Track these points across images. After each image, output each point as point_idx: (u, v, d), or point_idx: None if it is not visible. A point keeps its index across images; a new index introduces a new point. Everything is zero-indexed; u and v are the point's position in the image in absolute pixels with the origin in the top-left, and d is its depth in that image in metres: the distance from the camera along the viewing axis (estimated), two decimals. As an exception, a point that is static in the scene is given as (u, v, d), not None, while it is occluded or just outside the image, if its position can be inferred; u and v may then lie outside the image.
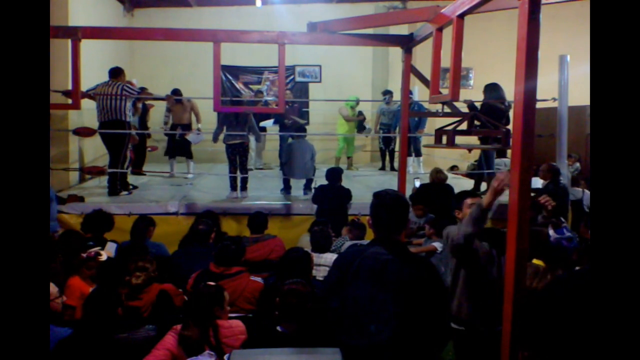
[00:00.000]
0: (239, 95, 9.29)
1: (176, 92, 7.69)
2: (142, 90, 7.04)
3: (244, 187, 6.15)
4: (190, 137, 7.30)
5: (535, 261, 2.41)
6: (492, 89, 6.00)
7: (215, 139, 6.22)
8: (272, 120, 8.32)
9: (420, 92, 8.63)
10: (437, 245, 4.30)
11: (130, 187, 6.45)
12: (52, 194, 4.81)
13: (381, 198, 2.26)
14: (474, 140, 5.54)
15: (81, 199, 5.70)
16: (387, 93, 8.69)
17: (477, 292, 2.88)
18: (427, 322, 2.11)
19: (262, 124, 8.26)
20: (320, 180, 5.89)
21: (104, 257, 3.30)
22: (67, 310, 2.93)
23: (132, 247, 3.87)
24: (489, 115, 5.64)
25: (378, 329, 2.09)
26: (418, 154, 8.60)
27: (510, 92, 2.39)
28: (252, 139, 8.35)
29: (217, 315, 2.61)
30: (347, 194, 5.45)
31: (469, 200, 3.01)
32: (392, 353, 2.08)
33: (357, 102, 8.86)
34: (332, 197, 5.37)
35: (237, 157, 6.08)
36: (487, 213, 2.68)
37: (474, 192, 3.26)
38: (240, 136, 6.02)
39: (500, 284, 2.45)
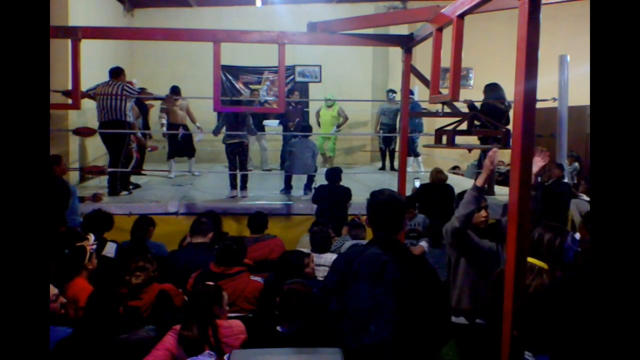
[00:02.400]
0: (238, 96, 9.29)
1: (176, 90, 7.56)
2: (142, 90, 7.03)
3: (243, 187, 6.16)
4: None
5: (530, 259, 2.42)
6: (493, 89, 6.00)
7: (215, 133, 6.29)
8: (277, 122, 8.29)
9: (420, 92, 8.64)
10: (424, 244, 4.30)
11: (131, 187, 6.45)
12: (73, 190, 4.84)
13: (376, 198, 2.26)
14: (474, 140, 5.54)
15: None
16: (393, 92, 8.68)
17: (478, 284, 2.89)
18: (427, 321, 2.11)
19: (265, 122, 8.25)
20: (320, 181, 5.90)
21: (90, 241, 3.31)
22: (77, 311, 2.93)
23: (132, 247, 3.86)
24: (488, 115, 5.68)
25: (378, 329, 2.09)
26: (415, 154, 8.62)
27: (510, 92, 2.39)
28: (254, 138, 8.37)
29: (216, 315, 2.61)
30: (347, 194, 5.44)
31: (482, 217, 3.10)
32: (393, 353, 2.08)
33: (331, 100, 8.86)
34: (332, 196, 5.37)
35: (236, 156, 6.09)
36: (482, 192, 2.83)
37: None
38: (238, 136, 6.04)
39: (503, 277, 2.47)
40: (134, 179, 6.92)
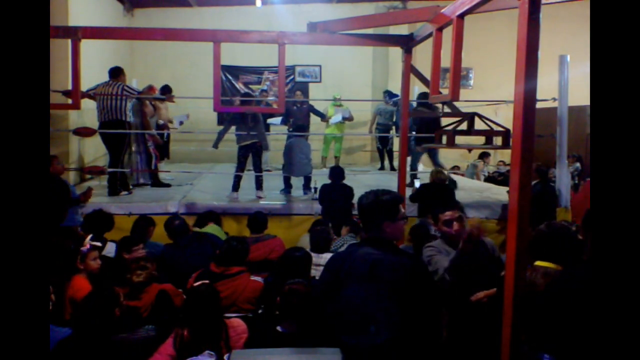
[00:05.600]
0: (238, 96, 9.26)
1: (168, 88, 7.27)
2: (151, 88, 7.00)
3: (259, 187, 6.12)
4: (176, 121, 7.23)
5: (540, 263, 2.40)
6: (425, 97, 6.42)
7: (216, 145, 6.12)
8: (279, 119, 8.26)
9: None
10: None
11: (131, 188, 6.44)
12: (72, 190, 4.87)
13: (365, 198, 2.31)
14: (473, 140, 5.54)
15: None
16: (391, 95, 8.70)
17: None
18: (423, 317, 2.13)
19: (269, 121, 8.23)
20: (321, 180, 5.89)
21: (86, 240, 3.35)
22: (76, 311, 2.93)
23: (130, 240, 3.83)
24: (422, 122, 6.72)
25: (373, 327, 2.11)
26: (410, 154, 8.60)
27: (510, 92, 2.39)
28: None
29: (221, 314, 2.60)
30: (350, 193, 5.42)
31: (446, 216, 2.91)
32: (390, 351, 2.09)
33: (339, 99, 8.93)
34: (336, 195, 5.34)
35: (251, 157, 6.08)
36: (466, 258, 2.60)
37: (453, 205, 3.12)
38: (251, 136, 5.99)
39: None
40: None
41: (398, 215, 2.26)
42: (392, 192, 2.34)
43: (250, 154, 6.09)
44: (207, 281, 2.81)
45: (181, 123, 7.81)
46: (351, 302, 2.16)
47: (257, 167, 6.14)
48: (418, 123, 7.00)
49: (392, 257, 2.17)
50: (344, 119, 8.89)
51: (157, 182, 6.78)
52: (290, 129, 7.97)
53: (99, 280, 3.17)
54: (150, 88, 7.00)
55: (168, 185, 6.77)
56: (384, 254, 2.17)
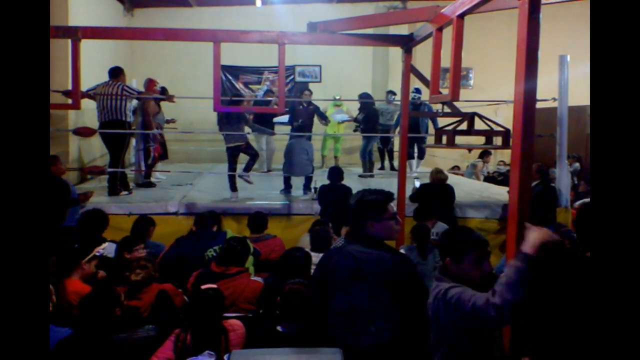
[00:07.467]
0: (238, 95, 9.24)
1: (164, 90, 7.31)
2: (150, 81, 6.99)
3: (247, 169, 6.09)
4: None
5: None
6: (369, 97, 8.01)
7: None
8: (286, 117, 8.23)
9: (420, 92, 8.64)
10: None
11: (131, 188, 6.44)
12: (73, 190, 4.91)
13: (352, 198, 2.35)
14: (474, 140, 5.54)
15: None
16: (393, 93, 8.68)
17: None
18: (412, 310, 2.14)
19: (276, 119, 8.21)
20: (321, 181, 5.89)
21: (103, 246, 3.37)
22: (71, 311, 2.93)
23: (131, 240, 3.83)
24: (373, 117, 8.15)
25: (361, 324, 2.13)
26: (422, 156, 8.48)
27: (510, 92, 2.39)
28: (262, 139, 8.31)
29: (221, 318, 2.59)
30: (348, 193, 5.43)
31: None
32: (382, 349, 2.11)
33: (338, 98, 8.94)
34: (335, 196, 5.35)
35: (237, 158, 6.07)
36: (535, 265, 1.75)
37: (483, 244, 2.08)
38: (235, 139, 5.99)
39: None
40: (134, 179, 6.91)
41: (385, 214, 2.25)
42: (380, 191, 2.33)
43: (238, 155, 6.09)
44: (214, 285, 2.78)
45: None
46: (338, 299, 2.20)
47: (252, 158, 6.12)
48: (366, 116, 8.14)
49: (376, 253, 2.20)
50: (344, 121, 8.91)
51: (143, 183, 6.73)
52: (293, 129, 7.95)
53: (95, 281, 3.16)
54: (150, 81, 6.96)
55: (153, 185, 6.76)
56: (368, 251, 2.21)
